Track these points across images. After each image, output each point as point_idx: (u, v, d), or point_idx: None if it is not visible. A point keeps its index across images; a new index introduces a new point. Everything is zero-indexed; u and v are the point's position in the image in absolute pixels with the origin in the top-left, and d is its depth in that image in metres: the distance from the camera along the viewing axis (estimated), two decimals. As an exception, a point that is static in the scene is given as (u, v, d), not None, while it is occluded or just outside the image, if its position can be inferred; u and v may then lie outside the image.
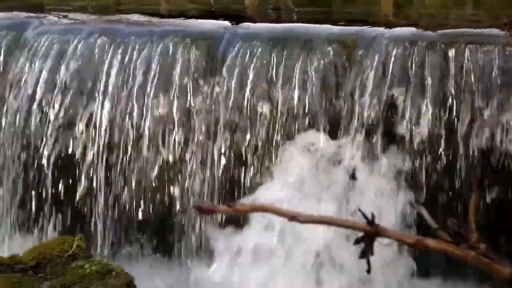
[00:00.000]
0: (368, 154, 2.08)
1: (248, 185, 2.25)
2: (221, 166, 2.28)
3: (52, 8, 3.31)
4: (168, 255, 2.23)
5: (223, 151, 2.27)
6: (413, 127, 2.03)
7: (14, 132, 2.37)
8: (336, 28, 2.47)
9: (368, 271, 0.64)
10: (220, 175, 2.27)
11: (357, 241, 0.63)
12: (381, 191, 1.96)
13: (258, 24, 2.71)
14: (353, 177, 2.02)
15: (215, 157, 2.28)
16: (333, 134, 2.18)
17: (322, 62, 2.25)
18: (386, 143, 2.06)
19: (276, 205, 0.69)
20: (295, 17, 3.38)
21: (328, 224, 0.65)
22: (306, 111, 2.21)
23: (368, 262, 0.63)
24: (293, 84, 2.26)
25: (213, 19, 2.70)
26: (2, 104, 2.38)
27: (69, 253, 1.83)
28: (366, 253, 0.63)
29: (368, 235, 0.62)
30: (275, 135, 2.23)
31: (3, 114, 2.36)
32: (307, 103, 2.22)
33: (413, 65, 2.10)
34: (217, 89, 2.33)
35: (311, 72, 2.25)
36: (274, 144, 2.21)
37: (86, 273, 1.74)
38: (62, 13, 2.83)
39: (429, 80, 2.04)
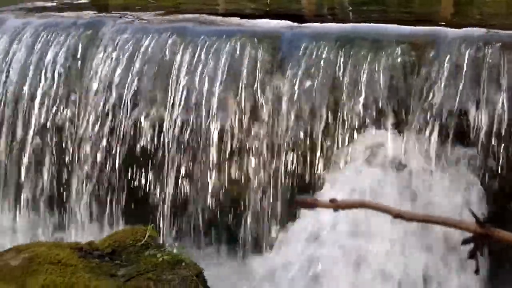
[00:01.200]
0: (439, 155, 2.03)
1: (313, 183, 2.24)
2: (286, 164, 2.28)
3: (116, 8, 3.42)
4: (232, 246, 2.26)
5: (288, 148, 2.27)
6: (487, 128, 1.95)
7: (90, 123, 2.47)
8: (404, 28, 2.41)
9: (477, 271, 0.62)
10: (284, 172, 2.27)
11: (465, 242, 0.62)
12: (452, 192, 1.90)
13: (323, 24, 2.70)
14: (422, 177, 1.97)
15: (281, 155, 2.29)
16: (401, 134, 2.14)
17: (390, 62, 2.21)
18: (458, 143, 2.00)
19: (379, 202, 0.68)
20: (351, 17, 3.34)
21: (435, 223, 0.63)
22: (374, 111, 2.18)
23: (477, 263, 0.61)
24: (360, 83, 2.24)
25: (270, 18, 2.71)
26: (80, 98, 2.48)
27: (141, 242, 1.88)
28: (475, 254, 0.61)
29: (478, 236, 0.60)
30: (341, 133, 2.21)
31: (80, 106, 2.47)
32: (374, 103, 2.19)
33: (487, 65, 2.03)
34: (283, 87, 2.34)
35: (379, 72, 2.21)
36: (339, 143, 2.19)
37: (158, 262, 1.79)
38: (130, 13, 2.93)
39: (504, 81, 1.96)
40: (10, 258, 1.60)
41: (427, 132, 2.12)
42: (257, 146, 2.32)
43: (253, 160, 2.31)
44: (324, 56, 2.30)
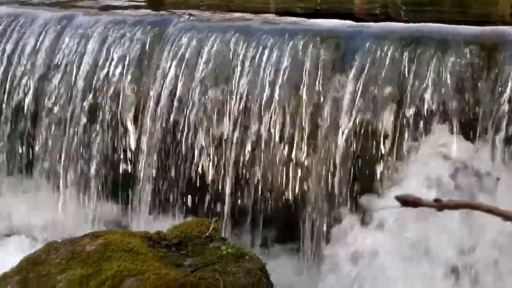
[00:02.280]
0: (506, 158, 1.95)
1: (375, 183, 2.21)
2: (348, 163, 2.26)
3: (171, 5, 3.48)
4: (296, 246, 2.26)
5: (350, 148, 2.25)
6: None
7: (156, 121, 2.53)
8: (472, 28, 2.34)
9: None
10: (345, 171, 2.25)
11: None
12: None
13: (386, 23, 2.65)
14: (491, 182, 1.91)
15: (341, 154, 2.27)
16: (468, 137, 2.08)
17: (458, 62, 2.15)
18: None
19: (487, 203, 0.65)
20: (407, 16, 3.26)
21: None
22: (439, 112, 2.12)
23: None
24: (425, 84, 2.19)
25: (323, 17, 2.69)
26: (146, 93, 2.55)
27: (206, 234, 1.91)
28: None
29: None
30: (405, 134, 2.17)
31: (147, 103, 2.53)
32: (440, 104, 2.14)
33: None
34: (345, 87, 2.31)
35: (446, 73, 2.15)
36: (403, 144, 2.15)
37: (223, 254, 1.81)
38: (190, 11, 2.97)
39: None
40: (86, 244, 1.66)
41: (494, 135, 2.05)
42: (318, 144, 2.31)
43: (314, 158, 2.30)
44: (388, 55, 2.27)
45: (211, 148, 2.42)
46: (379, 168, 2.17)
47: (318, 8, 3.38)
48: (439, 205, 0.66)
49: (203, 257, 1.79)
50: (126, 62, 2.61)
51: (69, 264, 1.58)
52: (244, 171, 2.38)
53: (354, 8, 3.49)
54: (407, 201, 0.68)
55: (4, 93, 2.80)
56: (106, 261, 1.60)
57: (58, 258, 1.59)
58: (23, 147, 2.72)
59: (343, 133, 2.26)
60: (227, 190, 2.37)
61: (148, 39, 2.64)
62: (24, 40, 2.84)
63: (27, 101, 2.73)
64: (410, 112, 2.18)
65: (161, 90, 2.52)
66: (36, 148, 2.68)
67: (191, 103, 2.47)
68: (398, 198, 0.70)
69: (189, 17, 2.78)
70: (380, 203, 2.02)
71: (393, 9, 3.42)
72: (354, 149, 2.24)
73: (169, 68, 2.53)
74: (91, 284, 1.51)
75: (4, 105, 2.78)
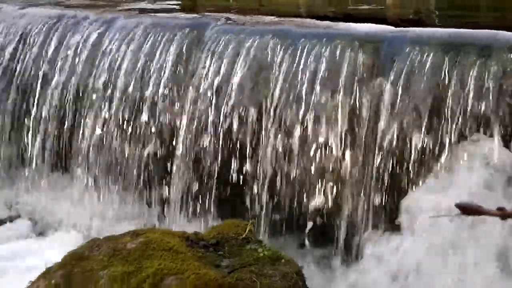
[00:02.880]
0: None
1: (410, 188, 2.18)
2: (384, 168, 2.23)
3: (202, 9, 3.52)
4: (329, 253, 2.25)
5: (388, 154, 2.22)
6: None
7: (193, 120, 2.56)
8: (512, 34, 2.29)
9: None
10: (380, 175, 2.23)
11: None
12: None
13: (425, 28, 2.62)
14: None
15: (379, 158, 2.24)
16: (508, 143, 2.03)
17: (501, 69, 2.10)
18: None
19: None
20: (437, 21, 3.22)
21: None
22: (481, 119, 2.08)
23: None
24: (466, 90, 2.14)
25: (355, 22, 2.67)
26: (184, 95, 2.58)
27: (242, 236, 1.91)
28: None
29: None
30: (444, 140, 2.13)
31: (185, 103, 2.56)
32: (481, 110, 2.09)
33: None
34: (383, 92, 2.29)
35: (488, 79, 2.11)
36: (444, 151, 2.11)
37: (260, 256, 1.81)
38: (227, 14, 2.99)
39: None
40: (127, 241, 1.69)
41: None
42: (355, 149, 2.29)
43: (350, 163, 2.29)
44: (428, 61, 2.23)
45: (248, 150, 2.43)
46: (419, 176, 2.13)
47: (348, 12, 3.38)
48: (503, 214, 0.65)
49: (240, 259, 1.79)
50: (165, 65, 2.65)
51: (111, 261, 1.61)
52: (280, 176, 2.38)
53: (385, 12, 3.47)
54: (466, 209, 0.67)
55: (45, 93, 2.88)
56: (146, 259, 1.62)
57: (101, 255, 1.62)
58: (66, 145, 2.79)
59: (381, 139, 2.24)
60: (264, 193, 2.38)
61: (186, 42, 2.67)
62: (66, 41, 2.92)
63: (68, 101, 2.80)
64: (450, 118, 2.15)
65: (198, 93, 2.55)
66: (77, 146, 2.74)
67: (227, 106, 2.49)
68: (458, 206, 0.68)
69: (226, 21, 2.81)
70: (421, 211, 1.99)
71: (426, 14, 3.39)
72: (392, 156, 2.21)
73: (207, 71, 2.56)
74: (132, 281, 1.54)
75: (45, 106, 2.86)
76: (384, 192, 2.20)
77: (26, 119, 2.88)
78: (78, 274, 1.55)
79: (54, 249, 2.21)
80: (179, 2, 3.66)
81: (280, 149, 2.38)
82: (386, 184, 2.20)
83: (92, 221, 2.57)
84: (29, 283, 1.59)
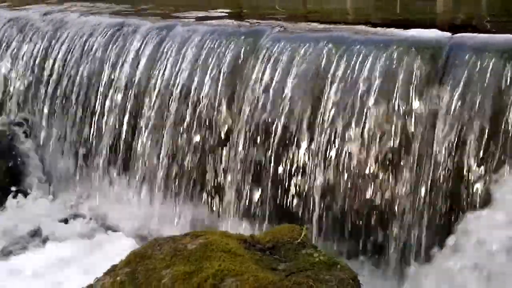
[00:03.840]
0: None
1: (470, 200, 2.11)
2: (440, 177, 2.18)
3: (248, 15, 3.55)
4: (381, 261, 2.22)
5: (445, 162, 2.17)
6: None
7: (247, 124, 2.59)
8: None
9: None
10: (438, 187, 2.17)
11: None
12: None
13: (485, 34, 2.54)
14: None
15: (435, 168, 2.19)
16: None
17: None
18: None
19: None
20: (491, 27, 3.11)
21: None
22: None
23: None
24: (529, 99, 2.07)
25: (405, 28, 2.63)
26: (240, 100, 2.61)
27: (298, 241, 1.92)
28: None
29: None
30: (507, 149, 2.06)
31: (240, 109, 2.59)
32: (546, 119, 2.01)
33: None
34: (442, 99, 2.24)
35: (553, 87, 2.02)
36: (504, 160, 2.04)
37: (315, 261, 1.80)
38: (281, 22, 3.01)
39: None
40: (187, 242, 1.73)
41: None
42: (410, 157, 2.25)
43: (405, 170, 2.25)
44: (489, 68, 2.17)
45: (301, 154, 2.44)
46: (476, 185, 2.07)
47: (400, 18, 3.32)
48: None
49: (296, 263, 1.80)
50: (221, 71, 2.70)
51: (173, 260, 1.65)
52: (332, 181, 2.37)
53: (436, 18, 3.39)
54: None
55: (106, 98, 2.99)
56: (206, 260, 1.65)
57: (162, 254, 1.66)
58: (123, 149, 2.88)
59: (438, 146, 2.19)
60: (316, 199, 2.37)
61: (242, 50, 2.71)
62: (127, 48, 3.02)
63: (127, 105, 2.90)
64: (509, 126, 2.07)
65: (254, 100, 2.57)
66: (135, 150, 2.83)
67: (282, 112, 2.50)
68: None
69: (280, 28, 2.83)
70: (478, 221, 1.93)
71: (478, 20, 3.28)
72: (449, 164, 2.16)
73: (262, 78, 2.59)
74: (194, 281, 1.57)
75: (107, 110, 2.97)
76: (440, 203, 2.15)
77: (89, 123, 3.00)
78: (142, 272, 1.60)
79: (115, 247, 2.29)
80: (228, 11, 3.73)
81: (333, 156, 2.37)
82: (441, 195, 2.15)
83: (148, 222, 2.64)
84: (94, 280, 1.65)
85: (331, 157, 2.38)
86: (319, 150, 2.39)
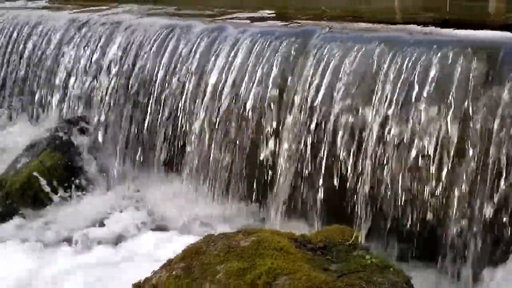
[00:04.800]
0: None
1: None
2: (497, 183, 2.10)
3: (294, 15, 3.52)
4: (435, 265, 2.16)
5: (502, 166, 2.09)
6: None
7: (297, 124, 2.58)
8: None
9: None
10: (496, 192, 2.09)
11: None
12: None
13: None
14: None
15: (492, 172, 2.11)
16: None
17: None
18: None
19: None
20: None
21: None
22: None
23: None
24: None
25: (455, 28, 2.54)
26: (290, 100, 2.61)
27: (349, 242, 1.90)
28: None
29: None
30: None
31: (290, 108, 2.59)
32: None
33: None
34: (500, 100, 2.16)
35: None
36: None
37: (367, 263, 1.78)
38: (332, 23, 2.98)
39: None
40: (240, 239, 1.75)
41: None
42: (465, 161, 2.18)
43: (461, 175, 2.18)
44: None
45: (351, 156, 2.41)
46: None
47: (447, 17, 3.22)
48: None
49: (348, 264, 1.78)
50: (271, 71, 2.70)
51: (227, 256, 1.67)
52: (384, 183, 2.33)
53: (485, 18, 3.26)
54: None
55: (160, 96, 3.06)
56: (259, 257, 1.66)
57: (217, 250, 1.69)
58: (178, 146, 2.94)
59: (496, 149, 2.11)
60: (366, 200, 2.34)
61: (292, 50, 2.71)
62: (179, 49, 3.08)
63: (181, 103, 2.95)
64: None
65: (303, 100, 2.57)
66: (187, 148, 2.88)
67: (332, 113, 2.48)
68: None
69: (331, 29, 2.81)
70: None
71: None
72: (508, 168, 2.08)
73: (312, 78, 2.57)
74: (247, 277, 1.58)
75: (161, 109, 3.03)
76: (497, 208, 2.07)
77: (144, 119, 3.08)
78: (197, 267, 1.62)
79: (172, 242, 2.34)
80: (274, 11, 3.73)
81: (384, 158, 2.33)
82: (499, 201, 2.07)
83: (201, 218, 2.67)
84: (152, 273, 1.69)
85: (380, 158, 2.34)
86: (369, 151, 2.36)
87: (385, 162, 2.32)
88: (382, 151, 2.34)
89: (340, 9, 3.82)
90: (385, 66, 2.43)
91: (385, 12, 3.67)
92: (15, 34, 3.99)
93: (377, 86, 2.41)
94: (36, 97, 3.68)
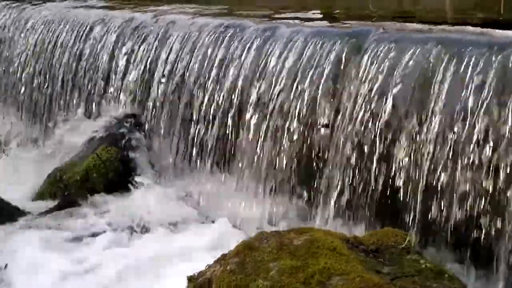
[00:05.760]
0: None
1: None
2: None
3: (343, 15, 3.46)
4: (490, 273, 2.08)
5: None
6: None
7: (349, 125, 2.56)
8: None
9: None
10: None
11: None
12: None
13: None
14: None
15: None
16: None
17: None
18: None
19: None
20: None
21: None
22: None
23: None
24: None
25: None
26: (343, 100, 2.58)
27: (402, 246, 1.86)
28: None
29: None
30: None
31: (343, 109, 2.56)
32: None
33: None
34: None
35: None
36: None
37: (421, 268, 1.74)
38: (388, 22, 2.92)
39: None
40: (293, 238, 1.75)
41: None
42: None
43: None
44: None
45: (405, 159, 2.36)
46: None
47: (501, 18, 3.09)
48: None
49: (401, 268, 1.75)
50: (324, 71, 2.69)
51: (279, 254, 1.67)
52: (438, 188, 2.27)
53: None
54: None
55: (213, 93, 3.10)
56: (312, 257, 1.66)
57: (270, 247, 1.69)
58: (228, 143, 2.97)
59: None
60: (419, 202, 2.28)
61: (346, 50, 2.68)
62: (232, 48, 3.11)
63: (233, 101, 2.98)
64: None
65: (357, 101, 2.53)
66: (239, 145, 2.91)
67: (385, 114, 2.44)
68: None
69: (385, 29, 2.76)
70: None
71: None
72: None
73: (366, 78, 2.54)
74: (300, 276, 1.58)
75: (212, 107, 3.07)
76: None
77: (196, 116, 3.13)
78: (251, 263, 1.64)
79: (222, 238, 2.37)
80: (320, 12, 3.69)
81: (442, 160, 2.26)
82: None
83: (251, 215, 2.69)
84: (206, 266, 1.72)
85: (436, 161, 2.27)
86: (425, 155, 2.30)
87: (442, 165, 2.26)
88: (439, 154, 2.28)
89: (388, 9, 3.75)
90: (442, 68, 2.36)
91: (436, 12, 3.57)
92: (74, 33, 4.15)
93: (433, 88, 2.35)
94: (94, 93, 3.82)
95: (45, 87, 4.19)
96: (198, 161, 3.07)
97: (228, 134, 2.97)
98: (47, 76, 4.21)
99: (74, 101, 3.93)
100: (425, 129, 2.33)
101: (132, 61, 3.60)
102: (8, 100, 4.53)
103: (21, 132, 4.20)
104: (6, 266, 2.36)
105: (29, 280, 2.24)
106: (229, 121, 2.96)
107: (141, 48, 3.58)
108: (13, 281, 2.25)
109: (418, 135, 2.35)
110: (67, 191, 3.06)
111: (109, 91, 3.67)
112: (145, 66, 3.50)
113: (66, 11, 4.48)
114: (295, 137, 2.70)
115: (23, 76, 4.40)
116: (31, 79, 4.35)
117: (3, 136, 4.26)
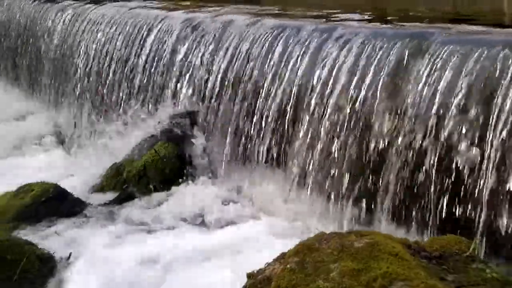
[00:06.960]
0: None
1: None
2: None
3: (395, 16, 3.34)
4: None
5: None
6: None
7: (409, 128, 2.48)
8: None
9: None
10: None
11: None
12: None
13: None
14: None
15: None
16: None
17: None
18: None
19: None
20: None
21: None
22: None
23: None
24: None
25: None
26: (406, 104, 2.50)
27: (467, 254, 1.78)
28: None
29: None
30: None
31: (398, 111, 2.49)
32: None
33: None
34: None
35: None
36: None
37: (487, 277, 1.66)
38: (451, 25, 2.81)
39: None
40: (353, 240, 1.71)
41: None
42: None
43: None
44: None
45: (469, 164, 2.26)
46: None
47: None
48: None
49: (466, 276, 1.67)
50: (383, 73, 2.62)
51: (340, 255, 1.64)
52: (507, 194, 2.15)
53: None
54: None
55: (269, 93, 3.09)
56: (373, 260, 1.62)
57: (330, 249, 1.66)
58: (283, 143, 2.96)
59: None
60: (485, 208, 2.18)
61: (407, 52, 2.60)
62: (289, 49, 3.09)
63: (289, 101, 2.97)
64: None
65: (419, 103, 2.45)
66: (293, 145, 2.89)
67: (451, 117, 2.35)
68: None
69: (448, 31, 2.66)
70: None
71: None
72: None
73: (429, 81, 2.45)
74: (362, 278, 1.54)
75: (268, 107, 3.07)
76: None
77: (251, 115, 3.13)
78: (311, 263, 1.61)
79: (278, 237, 2.36)
80: (373, 13, 3.60)
81: (506, 166, 2.16)
82: None
83: (303, 216, 2.67)
84: (265, 264, 1.71)
85: (501, 167, 2.17)
86: (491, 160, 2.20)
87: (508, 171, 2.15)
88: (503, 159, 2.17)
89: (443, 11, 3.61)
90: (510, 71, 2.25)
91: (494, 14, 3.41)
92: (134, 33, 4.25)
93: (499, 93, 2.24)
94: (153, 92, 3.91)
95: (107, 82, 4.32)
96: (254, 158, 3.07)
97: (284, 132, 2.95)
98: (109, 72, 4.35)
99: (135, 98, 4.03)
100: (490, 134, 2.22)
101: (189, 60, 3.65)
102: (83, 95, 4.68)
103: (87, 126, 4.36)
104: (70, 255, 2.44)
105: (101, 270, 2.29)
106: (286, 119, 2.94)
107: (198, 47, 3.63)
108: (82, 272, 2.31)
109: (483, 140, 2.25)
110: (126, 184, 3.14)
111: (169, 89, 3.74)
112: (202, 65, 3.54)
113: (130, 11, 4.61)
114: (351, 138, 2.65)
115: (91, 71, 4.56)
116: (95, 75, 4.51)
117: (69, 131, 4.43)
